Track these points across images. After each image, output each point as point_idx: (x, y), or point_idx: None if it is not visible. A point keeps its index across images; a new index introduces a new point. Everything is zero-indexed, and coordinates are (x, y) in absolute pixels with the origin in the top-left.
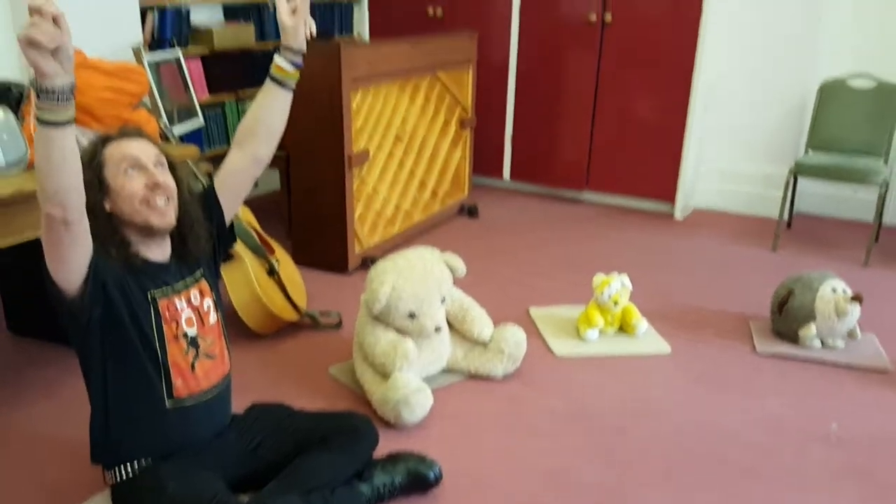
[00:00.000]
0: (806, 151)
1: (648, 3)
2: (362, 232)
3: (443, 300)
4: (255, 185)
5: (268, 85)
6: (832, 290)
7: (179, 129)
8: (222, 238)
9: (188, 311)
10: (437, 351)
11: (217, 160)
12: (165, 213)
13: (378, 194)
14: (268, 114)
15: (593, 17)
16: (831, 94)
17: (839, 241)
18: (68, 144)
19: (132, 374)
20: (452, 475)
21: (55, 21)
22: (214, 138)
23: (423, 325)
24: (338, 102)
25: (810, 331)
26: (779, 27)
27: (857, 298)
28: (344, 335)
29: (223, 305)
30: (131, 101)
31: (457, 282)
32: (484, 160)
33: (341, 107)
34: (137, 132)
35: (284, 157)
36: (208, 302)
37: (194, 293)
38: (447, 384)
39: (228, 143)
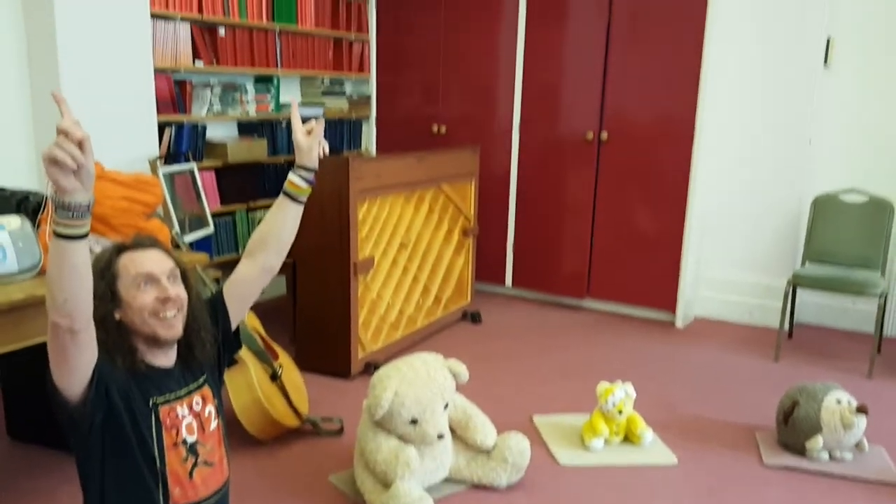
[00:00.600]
0: (803, 263)
1: (643, 122)
2: (366, 337)
3: (446, 406)
4: (262, 290)
5: (281, 199)
6: (837, 401)
7: (190, 237)
8: (227, 344)
9: (189, 417)
10: (439, 459)
11: (225, 266)
12: (173, 325)
13: (382, 300)
14: (279, 225)
15: (590, 136)
16: (825, 208)
17: (841, 351)
18: (81, 257)
19: (130, 481)
20: None
21: (80, 144)
22: (224, 246)
23: (426, 432)
24: (345, 212)
25: (817, 443)
26: (771, 142)
27: (862, 410)
28: (345, 442)
29: (224, 411)
30: (146, 210)
31: (460, 388)
32: (486, 267)
33: (349, 216)
34: (152, 241)
35: (291, 264)
36: (210, 408)
37: (196, 399)
38: (449, 494)
39: (237, 251)
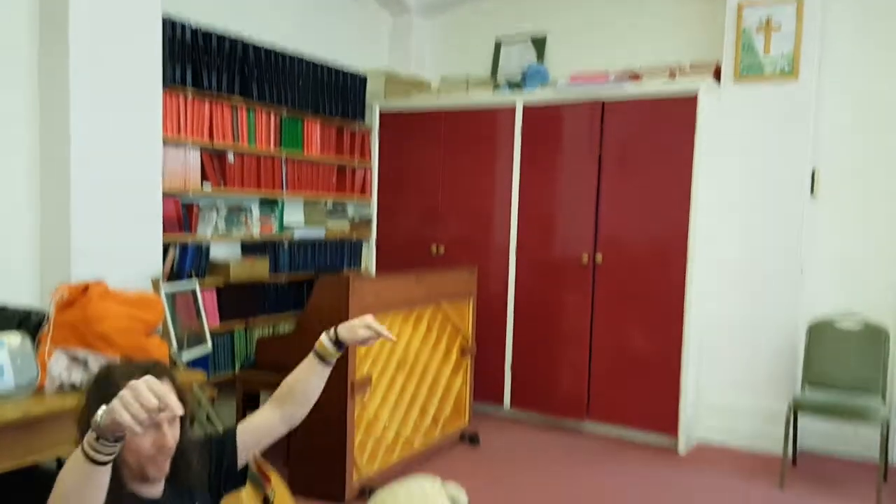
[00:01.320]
0: (803, 387)
1: (637, 246)
2: (361, 460)
3: None
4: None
5: (311, 359)
6: None
7: (188, 354)
8: (230, 480)
9: None
10: None
11: (222, 385)
12: (163, 467)
13: (379, 420)
14: (305, 381)
15: (585, 259)
16: (821, 334)
17: (847, 480)
18: (105, 480)
19: None
20: None
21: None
22: (220, 364)
23: None
24: None
25: None
26: (764, 269)
27: None
28: None
29: None
30: (147, 329)
31: None
32: (484, 388)
33: None
34: (160, 371)
35: None
36: None
37: None
38: None
39: (234, 369)
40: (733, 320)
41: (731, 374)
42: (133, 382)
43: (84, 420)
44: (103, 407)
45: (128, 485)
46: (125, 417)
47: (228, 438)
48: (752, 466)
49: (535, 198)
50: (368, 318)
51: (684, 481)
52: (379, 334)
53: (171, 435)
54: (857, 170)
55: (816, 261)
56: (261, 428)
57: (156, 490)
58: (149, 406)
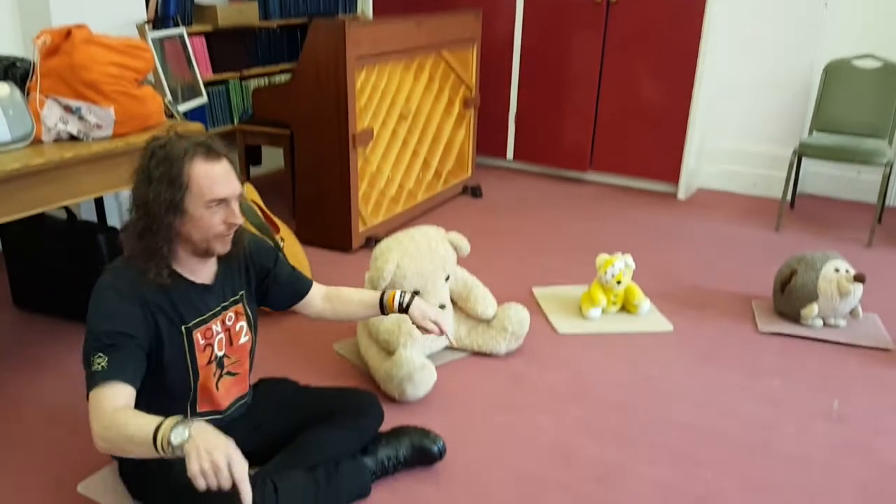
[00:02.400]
0: (810, 132)
1: None
2: (366, 211)
3: (447, 278)
4: (259, 164)
5: (373, 297)
6: (835, 269)
7: (184, 106)
8: (275, 305)
9: (221, 333)
10: None
11: (222, 138)
12: (228, 242)
13: (382, 173)
14: (354, 310)
15: None
16: (837, 75)
17: (842, 221)
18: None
19: (158, 395)
20: (456, 450)
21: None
22: (218, 116)
23: (428, 303)
24: (342, 80)
25: (812, 310)
26: (784, 7)
27: (859, 278)
28: None
29: (257, 332)
30: (137, 77)
31: (461, 261)
32: (487, 140)
33: (346, 85)
34: (221, 148)
35: (289, 136)
36: (242, 324)
37: (230, 315)
38: (450, 361)
39: (232, 122)
40: (748, 65)
41: (739, 119)
42: (216, 458)
43: (140, 192)
44: (185, 434)
45: (174, 263)
46: (199, 482)
47: (305, 287)
48: (751, 210)
49: None
50: (444, 317)
51: (681, 224)
52: (441, 332)
53: (239, 214)
54: None
55: (840, 2)
56: (308, 300)
57: (206, 275)
58: (223, 486)
